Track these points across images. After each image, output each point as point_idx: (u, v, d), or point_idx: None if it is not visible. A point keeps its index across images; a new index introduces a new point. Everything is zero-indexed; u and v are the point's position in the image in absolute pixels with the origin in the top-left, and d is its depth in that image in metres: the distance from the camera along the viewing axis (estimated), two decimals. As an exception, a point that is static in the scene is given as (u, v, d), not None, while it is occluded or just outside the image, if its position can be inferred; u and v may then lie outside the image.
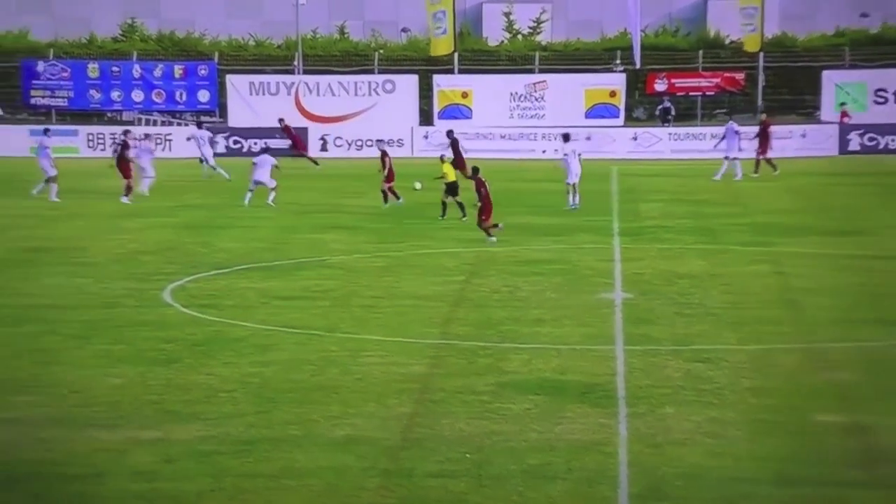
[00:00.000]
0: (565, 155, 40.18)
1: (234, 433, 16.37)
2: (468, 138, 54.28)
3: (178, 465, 15.08)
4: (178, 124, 63.79)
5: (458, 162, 41.58)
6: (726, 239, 33.48)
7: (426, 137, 60.58)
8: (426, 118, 63.56)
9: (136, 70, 63.68)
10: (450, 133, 47.11)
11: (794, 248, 31.77)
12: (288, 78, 63.92)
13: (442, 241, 33.14)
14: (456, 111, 63.14)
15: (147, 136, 50.56)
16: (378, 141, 43.24)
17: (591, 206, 39.35)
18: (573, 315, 23.62)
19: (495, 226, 32.40)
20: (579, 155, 40.64)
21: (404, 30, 77.54)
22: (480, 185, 32.88)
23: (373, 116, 61.99)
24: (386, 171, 40.05)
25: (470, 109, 63.29)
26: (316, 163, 53.19)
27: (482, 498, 14.04)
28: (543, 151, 59.45)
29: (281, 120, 55.55)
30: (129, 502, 13.99)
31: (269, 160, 40.85)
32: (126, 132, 46.08)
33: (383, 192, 40.12)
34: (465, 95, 63.53)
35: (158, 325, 22.80)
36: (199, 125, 53.56)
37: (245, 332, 22.42)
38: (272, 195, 40.11)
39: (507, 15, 79.52)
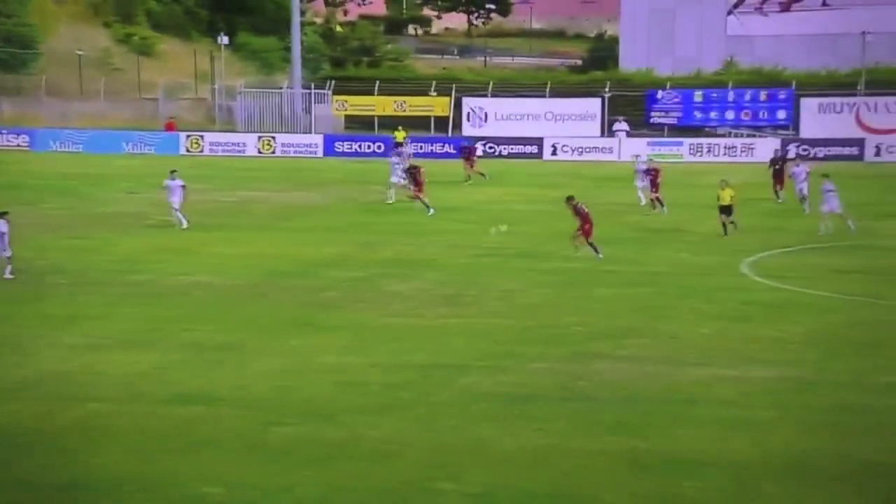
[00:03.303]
0: None
1: (798, 375, 15.67)
2: None
3: (752, 398, 14.59)
4: (759, 136, 62.24)
5: None
6: None
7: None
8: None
9: (731, 96, 63.00)
10: None
11: None
12: (850, 99, 60.69)
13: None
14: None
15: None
16: None
17: None
18: None
19: None
20: None
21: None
22: None
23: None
24: None
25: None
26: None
27: None
28: None
29: None
30: (712, 424, 13.66)
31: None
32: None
33: None
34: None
35: (738, 290, 22.23)
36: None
37: (808, 298, 21.44)
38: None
39: None
